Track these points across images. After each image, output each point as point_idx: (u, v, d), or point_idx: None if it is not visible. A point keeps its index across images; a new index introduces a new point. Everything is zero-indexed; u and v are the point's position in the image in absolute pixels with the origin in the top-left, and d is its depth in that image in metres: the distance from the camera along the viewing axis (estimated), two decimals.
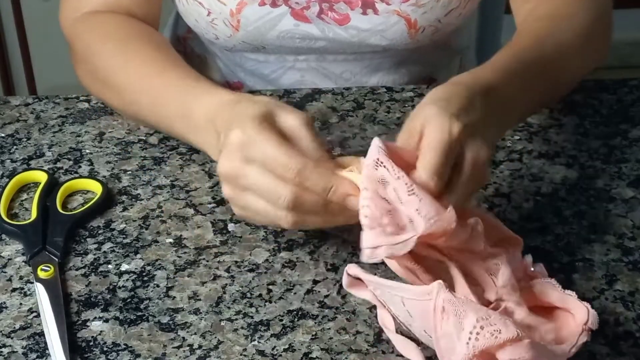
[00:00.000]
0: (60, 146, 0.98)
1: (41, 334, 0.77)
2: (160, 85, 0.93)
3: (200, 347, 0.75)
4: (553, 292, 0.74)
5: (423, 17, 1.04)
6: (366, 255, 0.70)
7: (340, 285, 0.81)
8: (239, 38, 1.06)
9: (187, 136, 0.90)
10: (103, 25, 1.02)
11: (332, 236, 0.86)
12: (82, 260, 0.84)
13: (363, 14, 1.04)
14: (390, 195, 0.71)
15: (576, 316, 0.72)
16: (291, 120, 0.78)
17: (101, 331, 0.77)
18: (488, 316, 0.67)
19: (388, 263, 0.77)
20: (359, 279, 0.76)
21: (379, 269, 0.81)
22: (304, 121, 0.78)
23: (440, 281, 0.69)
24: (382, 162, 0.72)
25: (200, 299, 0.80)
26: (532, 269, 0.77)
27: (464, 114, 0.75)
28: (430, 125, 0.73)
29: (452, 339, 0.67)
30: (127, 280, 0.82)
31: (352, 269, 0.76)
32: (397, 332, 0.75)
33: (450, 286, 0.71)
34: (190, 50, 1.22)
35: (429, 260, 0.74)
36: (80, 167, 0.95)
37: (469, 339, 0.66)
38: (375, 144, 0.73)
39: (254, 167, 0.75)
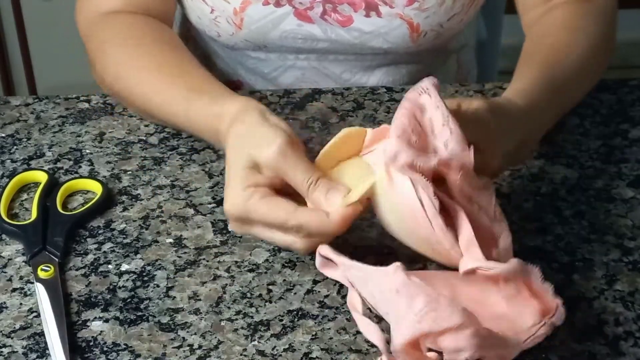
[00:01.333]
0: (60, 146, 0.98)
1: (41, 334, 0.77)
2: (175, 93, 0.94)
3: (200, 347, 0.75)
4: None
5: (425, 21, 1.04)
6: (388, 157, 0.73)
7: (341, 286, 0.81)
8: (242, 36, 1.07)
9: (203, 138, 0.94)
10: (115, 26, 1.02)
11: None
12: (82, 260, 0.84)
13: (366, 16, 1.04)
14: (425, 123, 0.74)
15: (543, 308, 0.72)
16: (265, 156, 0.79)
17: (101, 331, 0.77)
18: (437, 302, 0.68)
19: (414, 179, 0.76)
20: (330, 260, 0.78)
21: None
22: (278, 152, 0.79)
23: (398, 263, 0.71)
24: (427, 89, 0.75)
25: (200, 299, 0.80)
26: None
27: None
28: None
29: (401, 320, 0.69)
30: (127, 280, 0.82)
31: (323, 249, 0.78)
32: (364, 314, 0.75)
33: (455, 231, 0.74)
34: (192, 48, 1.23)
35: (440, 201, 0.76)
36: (80, 167, 0.95)
37: (412, 320, 0.68)
38: (429, 78, 0.76)
39: (257, 229, 0.81)
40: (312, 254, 0.82)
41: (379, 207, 0.78)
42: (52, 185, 0.91)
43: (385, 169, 0.75)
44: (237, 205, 0.79)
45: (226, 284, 0.81)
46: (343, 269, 0.77)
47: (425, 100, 0.75)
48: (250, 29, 1.05)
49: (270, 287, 0.81)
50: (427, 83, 0.76)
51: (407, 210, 0.75)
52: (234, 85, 1.15)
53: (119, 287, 0.81)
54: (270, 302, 0.80)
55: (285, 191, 0.80)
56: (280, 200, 0.79)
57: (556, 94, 0.90)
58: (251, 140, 0.81)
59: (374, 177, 0.77)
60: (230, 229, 0.85)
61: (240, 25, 1.05)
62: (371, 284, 0.74)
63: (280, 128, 0.81)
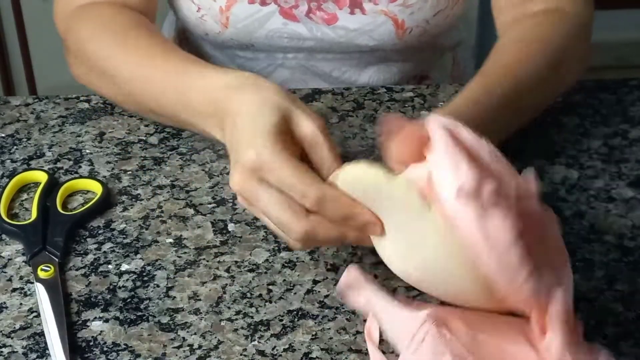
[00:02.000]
0: (60, 146, 0.98)
1: (41, 334, 0.77)
2: (158, 73, 0.91)
3: (200, 347, 0.75)
4: None
5: (411, 17, 1.04)
6: (466, 190, 0.65)
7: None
8: (228, 35, 1.07)
9: (193, 124, 0.88)
10: (97, 17, 1.01)
11: None
12: (82, 260, 0.84)
13: (351, 13, 1.04)
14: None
15: None
16: (307, 127, 0.76)
17: (101, 331, 0.77)
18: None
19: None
20: (354, 282, 0.73)
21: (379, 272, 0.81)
22: (320, 128, 0.76)
23: (429, 311, 0.67)
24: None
25: (200, 299, 0.80)
26: None
27: None
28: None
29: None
30: (127, 280, 0.82)
31: (353, 270, 0.73)
32: (380, 347, 0.73)
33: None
34: (187, 49, 1.22)
35: None
36: (80, 167, 0.95)
37: None
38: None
39: (268, 192, 0.73)
40: (311, 253, 0.82)
41: (405, 243, 0.72)
42: (52, 185, 0.91)
43: (446, 200, 0.65)
44: (262, 152, 0.72)
45: (226, 284, 0.81)
46: (368, 295, 0.72)
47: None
48: (236, 27, 1.06)
49: (270, 287, 0.81)
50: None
51: (470, 245, 0.66)
52: None
53: (119, 287, 0.81)
54: (270, 302, 0.80)
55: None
56: (306, 167, 0.73)
57: (507, 106, 0.88)
58: (292, 102, 0.76)
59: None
60: (233, 189, 0.76)
61: (226, 24, 1.05)
62: (396, 322, 0.70)
63: None
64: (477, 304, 0.70)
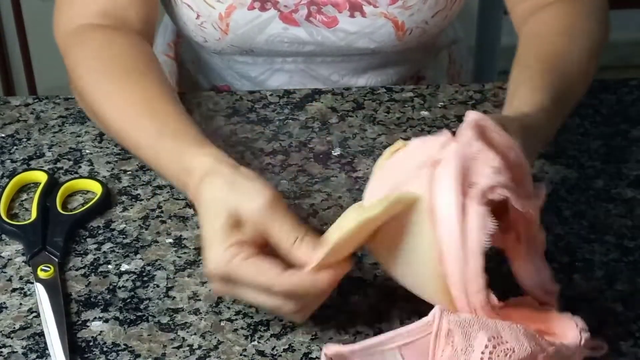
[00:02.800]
0: (60, 146, 0.98)
1: (41, 334, 0.77)
2: (137, 131, 0.88)
3: (200, 347, 0.75)
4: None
5: (410, 19, 1.04)
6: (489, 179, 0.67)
7: (341, 285, 0.80)
8: (228, 41, 1.06)
9: (171, 182, 0.87)
10: (97, 51, 0.96)
11: None
12: (82, 261, 0.84)
13: (351, 16, 1.04)
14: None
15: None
16: (251, 210, 0.73)
17: (101, 331, 0.77)
18: (499, 335, 0.65)
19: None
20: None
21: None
22: (266, 205, 0.73)
23: (439, 306, 0.68)
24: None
25: (200, 299, 0.80)
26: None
27: None
28: None
29: None
30: (127, 280, 0.82)
31: (330, 348, 0.69)
32: None
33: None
34: (179, 56, 1.22)
35: None
36: (80, 167, 0.95)
37: (481, 359, 0.65)
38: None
39: (242, 286, 0.73)
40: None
41: (388, 234, 0.72)
42: (52, 186, 0.91)
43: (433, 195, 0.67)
44: (220, 267, 0.72)
45: None
46: (359, 357, 0.69)
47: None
48: (236, 34, 1.05)
49: None
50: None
51: (447, 241, 0.68)
52: (222, 91, 1.14)
53: (119, 287, 0.81)
54: None
55: (269, 249, 0.74)
56: (266, 261, 0.72)
57: (559, 101, 0.88)
58: (232, 193, 0.75)
59: (364, 214, 0.70)
60: (213, 291, 0.79)
61: (226, 31, 1.05)
62: (406, 351, 0.68)
63: (263, 182, 0.76)
64: (433, 301, 0.72)
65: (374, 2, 1.03)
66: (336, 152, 0.96)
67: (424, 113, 1.02)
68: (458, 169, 0.67)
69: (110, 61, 0.95)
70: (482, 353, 0.65)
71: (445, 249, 0.67)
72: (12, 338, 0.77)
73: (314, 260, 0.71)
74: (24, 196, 0.91)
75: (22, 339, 0.76)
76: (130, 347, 0.76)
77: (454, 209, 0.67)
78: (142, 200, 0.90)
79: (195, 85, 1.20)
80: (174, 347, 0.76)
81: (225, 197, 0.74)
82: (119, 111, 0.90)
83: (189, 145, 0.82)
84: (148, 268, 0.83)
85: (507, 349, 0.65)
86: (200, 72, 1.18)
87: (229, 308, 0.79)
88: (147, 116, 0.88)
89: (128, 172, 0.94)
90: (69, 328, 0.77)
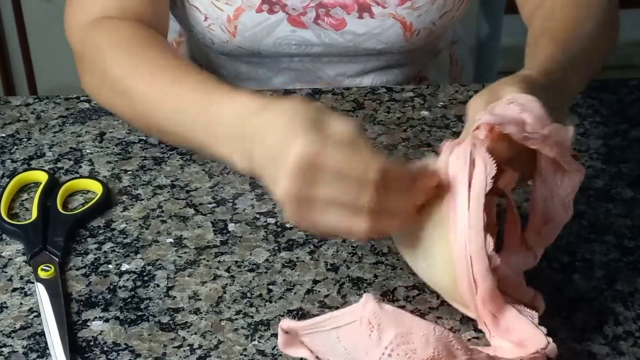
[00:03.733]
0: (60, 146, 0.98)
1: (42, 334, 0.77)
2: (178, 94, 0.85)
3: (200, 347, 0.76)
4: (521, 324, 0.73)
5: (418, 20, 1.04)
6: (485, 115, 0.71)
7: (341, 285, 0.81)
8: (236, 44, 1.06)
9: (210, 147, 0.80)
10: (115, 32, 0.95)
11: (332, 236, 0.86)
12: (82, 260, 0.84)
13: (359, 17, 1.04)
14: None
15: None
16: (343, 126, 0.70)
17: (101, 331, 0.77)
18: (409, 333, 0.66)
19: None
20: (294, 335, 0.72)
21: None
22: (356, 128, 0.70)
23: (369, 294, 0.69)
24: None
25: (200, 299, 0.80)
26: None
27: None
28: None
29: (369, 354, 0.67)
30: (128, 280, 0.82)
31: (285, 323, 0.71)
32: None
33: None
34: (183, 55, 1.22)
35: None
36: (80, 167, 0.95)
37: (382, 354, 0.66)
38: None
39: (328, 177, 0.68)
40: (305, 243, 0.82)
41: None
42: (53, 185, 0.91)
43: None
44: (312, 140, 0.68)
45: (226, 284, 0.81)
46: (308, 338, 0.71)
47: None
48: (244, 36, 1.05)
49: (270, 287, 0.81)
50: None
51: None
52: None
53: (119, 287, 0.81)
54: (270, 302, 0.80)
55: None
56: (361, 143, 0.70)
57: (574, 65, 0.85)
58: (315, 105, 0.72)
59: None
60: (283, 197, 0.70)
61: (234, 33, 1.05)
62: (342, 334, 0.69)
63: None
64: (441, 286, 0.75)
65: (383, 3, 1.03)
66: None
67: (424, 113, 1.02)
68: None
69: (138, 42, 0.93)
70: (385, 348, 0.66)
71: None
72: (12, 338, 0.77)
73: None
74: (25, 196, 0.92)
75: (23, 339, 0.77)
76: (131, 346, 0.76)
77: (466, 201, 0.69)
78: (142, 200, 0.90)
79: None
80: (174, 347, 0.76)
81: (311, 106, 0.71)
82: (153, 83, 0.87)
83: (239, 92, 0.79)
84: (148, 268, 0.83)
85: (409, 350, 0.66)
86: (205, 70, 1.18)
87: (229, 308, 0.79)
88: (187, 77, 0.85)
89: (128, 172, 0.94)
90: (70, 328, 0.77)
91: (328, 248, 0.85)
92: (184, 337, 0.76)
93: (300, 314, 0.78)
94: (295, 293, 0.80)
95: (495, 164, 0.70)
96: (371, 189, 0.68)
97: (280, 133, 0.70)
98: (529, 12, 1.02)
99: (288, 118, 0.71)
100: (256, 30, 1.05)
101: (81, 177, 0.93)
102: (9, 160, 0.96)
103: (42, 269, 0.81)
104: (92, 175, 0.93)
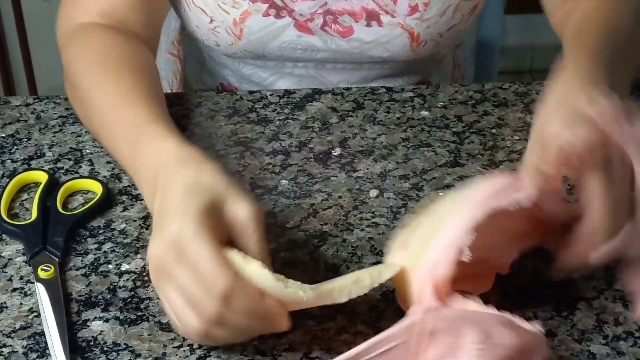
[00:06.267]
0: (60, 146, 0.98)
1: (41, 334, 0.77)
2: (119, 120, 0.86)
3: (200, 347, 0.75)
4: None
5: (426, 31, 1.04)
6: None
7: None
8: (241, 46, 1.06)
9: (137, 184, 0.84)
10: (94, 41, 0.96)
11: (332, 236, 0.86)
12: (82, 260, 0.84)
13: (367, 25, 1.04)
14: None
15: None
16: (240, 212, 0.72)
17: (101, 331, 0.77)
18: (487, 330, 0.66)
19: None
20: None
21: None
22: (254, 215, 0.72)
23: (419, 306, 0.69)
24: None
25: None
26: None
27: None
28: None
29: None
30: (128, 280, 0.82)
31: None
32: None
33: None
34: (183, 54, 1.22)
35: None
36: (80, 167, 0.95)
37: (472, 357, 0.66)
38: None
39: (184, 268, 0.70)
40: (305, 243, 0.82)
41: None
42: (53, 185, 0.91)
43: None
44: (185, 229, 0.70)
45: None
46: None
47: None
48: (250, 39, 1.05)
49: None
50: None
51: None
52: (229, 91, 1.14)
53: (119, 287, 0.81)
54: None
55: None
56: (224, 258, 0.70)
57: (622, 51, 0.85)
58: (224, 182, 0.73)
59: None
60: (149, 258, 0.73)
61: (239, 36, 1.05)
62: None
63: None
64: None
65: (392, 12, 1.03)
66: (336, 152, 0.96)
67: (424, 113, 1.02)
68: None
69: (106, 56, 0.94)
70: (472, 349, 0.66)
71: None
72: (12, 338, 0.77)
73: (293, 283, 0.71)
74: (25, 196, 0.92)
75: (23, 339, 0.77)
76: (131, 346, 0.76)
77: None
78: (142, 200, 0.90)
79: (199, 84, 1.20)
80: (174, 347, 0.76)
81: (218, 184, 0.73)
82: (105, 103, 0.89)
83: (170, 130, 0.81)
84: (148, 268, 0.83)
85: (495, 344, 0.66)
86: (205, 70, 1.18)
87: None
88: (134, 110, 0.86)
89: None
90: (70, 328, 0.77)
91: (328, 248, 0.85)
92: (183, 337, 0.76)
93: (300, 314, 0.78)
94: None
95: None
96: (217, 298, 0.69)
97: (178, 199, 0.72)
98: (557, 22, 1.00)
99: (191, 187, 0.72)
100: (262, 34, 1.05)
101: (81, 177, 0.93)
102: (9, 161, 0.96)
103: (42, 269, 0.81)
104: (92, 175, 0.93)
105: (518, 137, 0.99)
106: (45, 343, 0.76)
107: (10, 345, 0.76)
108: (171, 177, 0.75)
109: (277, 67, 1.10)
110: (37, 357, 0.75)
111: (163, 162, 0.77)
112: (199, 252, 0.69)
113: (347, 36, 1.05)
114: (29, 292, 0.81)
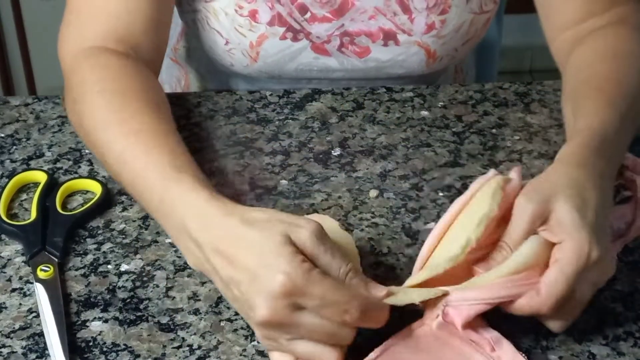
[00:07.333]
0: (59, 146, 0.98)
1: (41, 334, 0.77)
2: (141, 168, 0.82)
3: (200, 347, 0.75)
4: None
5: (442, 47, 1.04)
6: None
7: None
8: (257, 68, 1.05)
9: (166, 230, 0.81)
10: (104, 71, 0.91)
11: None
12: (81, 261, 0.84)
13: (384, 45, 1.04)
14: None
15: None
16: (307, 240, 0.70)
17: (101, 331, 0.77)
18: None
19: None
20: None
21: None
22: (315, 234, 0.71)
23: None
24: None
25: (199, 299, 0.80)
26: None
27: (600, 232, 0.73)
28: (568, 242, 0.71)
29: None
30: (127, 280, 0.82)
31: None
32: None
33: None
34: (186, 64, 1.20)
35: None
36: (79, 167, 0.95)
37: None
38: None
39: (306, 313, 0.69)
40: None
41: None
42: (52, 185, 0.91)
43: None
44: (294, 273, 0.67)
45: None
46: None
47: None
48: (266, 61, 1.04)
49: None
50: None
51: None
52: (221, 91, 1.13)
53: (119, 287, 0.81)
54: None
55: None
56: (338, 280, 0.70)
57: (623, 123, 0.85)
58: (279, 220, 0.71)
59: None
60: (262, 321, 0.69)
61: (255, 58, 1.04)
62: None
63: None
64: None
65: (409, 31, 1.02)
66: (336, 152, 0.96)
67: (424, 113, 1.02)
68: None
69: (116, 85, 0.90)
70: None
71: None
72: (11, 338, 0.76)
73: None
74: (24, 196, 0.91)
75: (22, 339, 0.76)
76: (130, 347, 0.76)
77: None
78: None
79: (203, 89, 1.19)
80: (173, 347, 0.75)
81: (278, 220, 0.71)
82: (124, 145, 0.84)
83: (201, 179, 0.79)
84: (148, 268, 0.83)
85: None
86: (211, 79, 1.16)
87: (229, 308, 0.79)
88: (156, 148, 0.83)
89: None
90: (69, 328, 0.77)
91: None
92: (183, 338, 0.76)
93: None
94: None
95: None
96: (348, 331, 0.70)
97: (255, 248, 0.70)
98: (558, 53, 1.00)
99: (267, 232, 0.70)
100: (279, 57, 1.04)
101: (80, 177, 0.93)
102: (8, 161, 0.96)
103: (41, 270, 0.81)
104: (92, 176, 0.93)
105: (518, 137, 0.99)
106: (45, 343, 0.76)
107: (10, 346, 0.76)
108: (229, 234, 0.72)
109: (292, 84, 1.09)
110: (37, 357, 0.75)
111: (197, 221, 0.75)
112: (320, 284, 0.68)
113: (363, 56, 1.05)
114: (28, 293, 0.81)
